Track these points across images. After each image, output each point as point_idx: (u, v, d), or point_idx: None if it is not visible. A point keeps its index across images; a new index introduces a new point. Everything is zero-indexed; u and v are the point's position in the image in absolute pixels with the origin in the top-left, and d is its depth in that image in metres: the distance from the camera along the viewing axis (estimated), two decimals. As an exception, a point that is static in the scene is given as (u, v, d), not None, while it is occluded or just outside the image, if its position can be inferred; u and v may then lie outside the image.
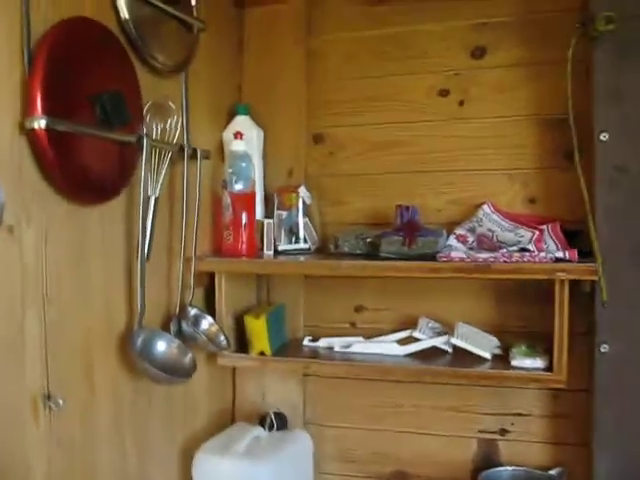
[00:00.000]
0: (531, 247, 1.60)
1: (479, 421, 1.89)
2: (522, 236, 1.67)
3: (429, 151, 1.91)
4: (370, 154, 1.96)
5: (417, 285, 1.88)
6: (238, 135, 1.86)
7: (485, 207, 1.79)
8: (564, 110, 1.75)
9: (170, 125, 1.67)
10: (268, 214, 1.95)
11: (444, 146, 1.89)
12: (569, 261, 1.56)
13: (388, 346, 1.81)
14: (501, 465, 1.83)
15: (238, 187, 1.84)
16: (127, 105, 1.48)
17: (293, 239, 1.89)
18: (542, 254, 1.57)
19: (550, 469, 1.80)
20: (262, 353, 1.82)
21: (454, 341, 1.73)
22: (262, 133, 1.98)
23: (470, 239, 1.77)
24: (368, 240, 1.80)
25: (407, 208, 1.78)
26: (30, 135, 1.31)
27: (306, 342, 1.93)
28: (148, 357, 1.56)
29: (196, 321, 1.77)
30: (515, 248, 1.61)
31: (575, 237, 1.69)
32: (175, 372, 1.59)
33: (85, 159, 1.43)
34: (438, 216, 1.88)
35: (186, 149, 1.71)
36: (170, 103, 1.68)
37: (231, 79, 2.06)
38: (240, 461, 1.70)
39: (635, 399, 1.61)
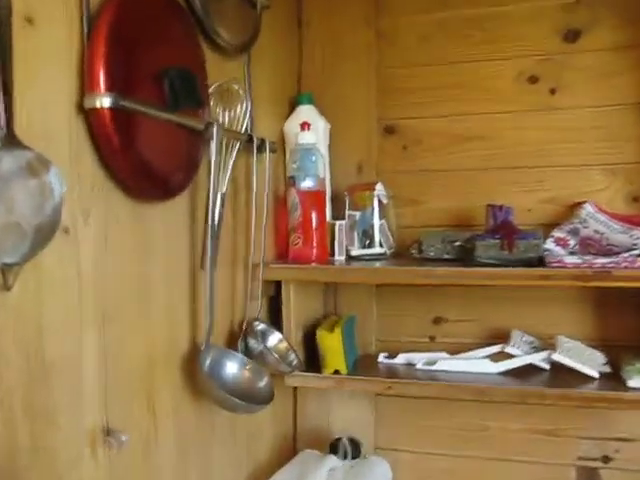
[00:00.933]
0: (656, 251, 1.34)
1: (577, 447, 1.62)
2: (638, 238, 1.41)
3: (517, 145, 1.64)
4: (450, 148, 1.69)
5: (504, 294, 1.62)
6: (306, 126, 1.58)
7: (587, 206, 1.51)
8: None
9: (238, 113, 1.40)
10: (337, 215, 1.68)
11: (534, 139, 1.63)
12: (700, 266, 1.31)
13: (479, 363, 1.54)
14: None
15: (306, 184, 1.57)
16: (198, 85, 1.22)
17: (367, 243, 1.62)
18: (670, 259, 1.32)
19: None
20: (336, 371, 1.55)
21: (557, 357, 1.46)
22: (328, 125, 1.72)
23: (571, 242, 1.50)
24: (457, 244, 1.54)
25: (500, 208, 1.52)
26: (90, 116, 1.04)
27: (381, 359, 1.65)
28: (218, 381, 1.29)
29: (263, 337, 1.50)
30: (637, 252, 1.35)
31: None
32: (251, 399, 1.31)
33: (152, 147, 1.15)
34: (528, 217, 1.61)
35: (255, 140, 1.44)
36: (237, 87, 1.41)
37: (291, 64, 1.79)
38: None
39: None
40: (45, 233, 0.93)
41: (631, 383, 1.38)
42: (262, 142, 1.48)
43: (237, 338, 1.46)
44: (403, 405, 1.73)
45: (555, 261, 1.35)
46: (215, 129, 1.27)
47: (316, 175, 1.58)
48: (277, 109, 1.70)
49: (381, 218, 1.62)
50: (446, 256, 1.54)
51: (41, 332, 0.98)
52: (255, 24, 1.51)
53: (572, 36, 1.60)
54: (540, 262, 1.41)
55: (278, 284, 1.58)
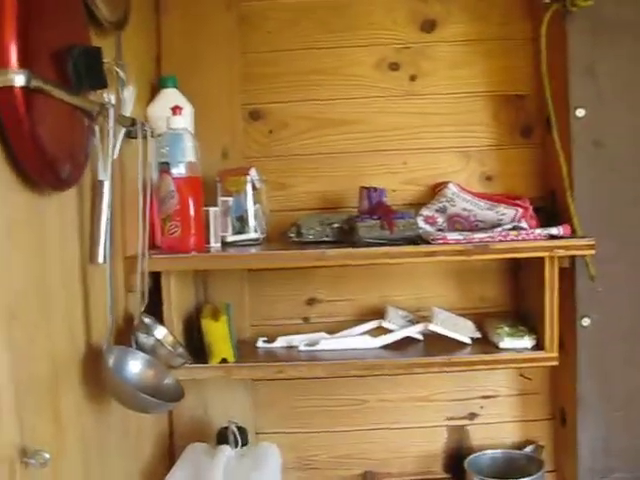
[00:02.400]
0: (524, 225, 1.46)
1: (447, 408, 1.72)
2: (503, 214, 1.52)
3: (380, 129, 1.69)
4: (315, 133, 1.70)
5: (374, 272, 1.67)
6: (177, 110, 1.49)
7: (451, 186, 1.60)
8: (518, 87, 1.69)
9: (124, 96, 1.30)
10: (205, 201, 1.60)
11: (395, 124, 1.69)
12: (561, 237, 1.45)
13: (360, 339, 1.58)
14: (473, 451, 1.69)
15: (180, 171, 1.48)
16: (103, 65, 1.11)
17: (241, 228, 1.59)
18: (538, 231, 1.44)
19: (521, 448, 1.70)
20: (223, 360, 1.51)
21: (434, 327, 1.54)
22: (192, 109, 1.64)
23: (440, 220, 1.59)
24: (335, 226, 1.56)
25: (375, 190, 1.56)
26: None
27: (260, 343, 1.62)
28: (128, 381, 1.20)
29: (148, 332, 1.41)
30: (509, 226, 1.47)
31: (537, 213, 1.59)
32: (161, 396, 1.22)
33: (54, 132, 1.03)
34: (393, 197, 1.65)
35: (139, 124, 1.34)
36: (119, 69, 1.30)
37: (149, 48, 1.67)
38: (225, 490, 1.39)
39: (615, 370, 1.56)
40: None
41: (503, 344, 1.50)
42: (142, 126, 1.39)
43: (124, 334, 1.36)
44: (279, 388, 1.72)
45: (439, 238, 1.43)
46: (111, 112, 1.17)
47: (189, 161, 1.51)
48: (140, 92, 1.59)
49: (255, 203, 1.60)
50: (325, 238, 1.55)
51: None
52: (126, 3, 1.40)
53: (428, 26, 1.68)
54: (417, 240, 1.48)
55: (153, 275, 1.49)
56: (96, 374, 1.21)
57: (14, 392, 0.96)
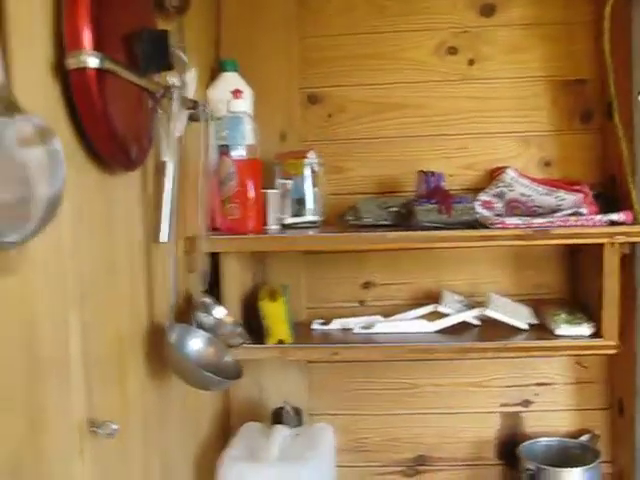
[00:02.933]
0: (584, 210, 1.44)
1: (501, 394, 1.71)
2: (563, 199, 1.51)
3: (437, 114, 1.68)
4: (373, 117, 1.70)
5: (430, 256, 1.67)
6: (237, 93, 1.52)
7: (509, 172, 1.59)
8: (578, 72, 1.66)
9: (186, 79, 1.32)
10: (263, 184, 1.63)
11: (453, 108, 1.68)
12: (623, 223, 1.43)
13: (415, 323, 1.58)
14: (527, 438, 1.68)
15: (240, 153, 1.52)
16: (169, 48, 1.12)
17: (300, 211, 1.60)
18: (598, 217, 1.42)
19: (576, 437, 1.69)
20: (280, 341, 1.53)
21: (490, 313, 1.54)
22: (252, 93, 1.66)
23: (497, 205, 1.58)
24: (392, 209, 1.56)
25: (432, 174, 1.56)
26: (73, 77, 0.93)
27: (316, 325, 1.64)
28: (190, 358, 1.22)
29: (208, 311, 1.44)
30: (569, 212, 1.45)
31: (596, 200, 1.56)
32: (221, 374, 1.25)
33: (123, 114, 1.05)
34: (450, 182, 1.64)
35: (201, 107, 1.36)
36: (182, 53, 1.32)
37: (210, 30, 1.70)
38: (282, 466, 1.41)
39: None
40: (54, 206, 0.83)
41: (559, 331, 1.48)
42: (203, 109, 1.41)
43: (184, 313, 1.39)
44: (333, 370, 1.74)
45: (497, 222, 1.42)
46: (176, 93, 1.19)
47: (249, 144, 1.53)
48: (201, 76, 1.61)
49: (314, 186, 1.61)
50: (383, 222, 1.56)
51: (33, 318, 0.88)
52: (188, -13, 1.42)
53: (488, 10, 1.66)
54: (475, 224, 1.48)
55: (212, 256, 1.51)
56: (158, 351, 1.25)
57: (84, 366, 1.00)
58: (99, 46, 0.94)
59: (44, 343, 0.89)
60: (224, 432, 1.69)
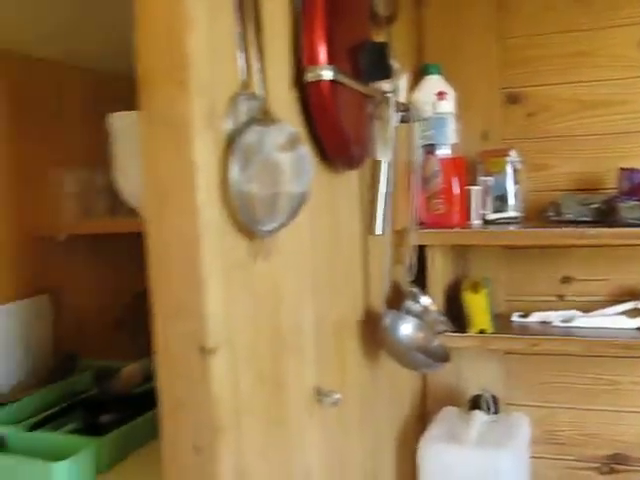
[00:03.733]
0: None
1: None
2: None
3: (643, 110, 1.67)
4: (576, 114, 1.70)
5: (631, 253, 1.66)
6: (442, 95, 1.61)
7: None
8: None
9: (398, 85, 1.42)
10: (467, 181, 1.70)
11: (661, 105, 1.65)
12: None
13: (616, 319, 1.58)
14: None
15: (444, 152, 1.60)
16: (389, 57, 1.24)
17: (501, 207, 1.66)
18: None
19: None
20: (481, 331, 1.60)
21: (699, 312, 1.52)
22: (454, 94, 1.73)
23: None
24: (593, 206, 1.57)
25: (636, 171, 1.56)
26: (310, 89, 1.06)
27: (515, 318, 1.69)
28: (402, 340, 1.33)
29: (415, 300, 1.54)
30: None
31: None
32: (430, 357, 1.36)
33: (352, 118, 1.18)
34: (655, 179, 1.63)
35: (411, 110, 1.46)
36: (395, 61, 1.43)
37: (412, 37, 1.79)
38: (481, 449, 1.48)
39: None
40: (301, 203, 0.96)
41: None
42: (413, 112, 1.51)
43: (392, 301, 1.49)
44: (530, 362, 1.77)
45: None
46: (392, 99, 1.30)
47: (453, 143, 1.61)
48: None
49: (515, 183, 1.65)
50: (584, 218, 1.57)
51: (278, 297, 1.02)
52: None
53: (700, 2, 1.62)
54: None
55: (417, 249, 1.61)
56: (371, 334, 1.37)
57: (315, 342, 1.13)
58: (331, 59, 1.07)
59: (286, 319, 1.04)
60: (421, 414, 1.79)
